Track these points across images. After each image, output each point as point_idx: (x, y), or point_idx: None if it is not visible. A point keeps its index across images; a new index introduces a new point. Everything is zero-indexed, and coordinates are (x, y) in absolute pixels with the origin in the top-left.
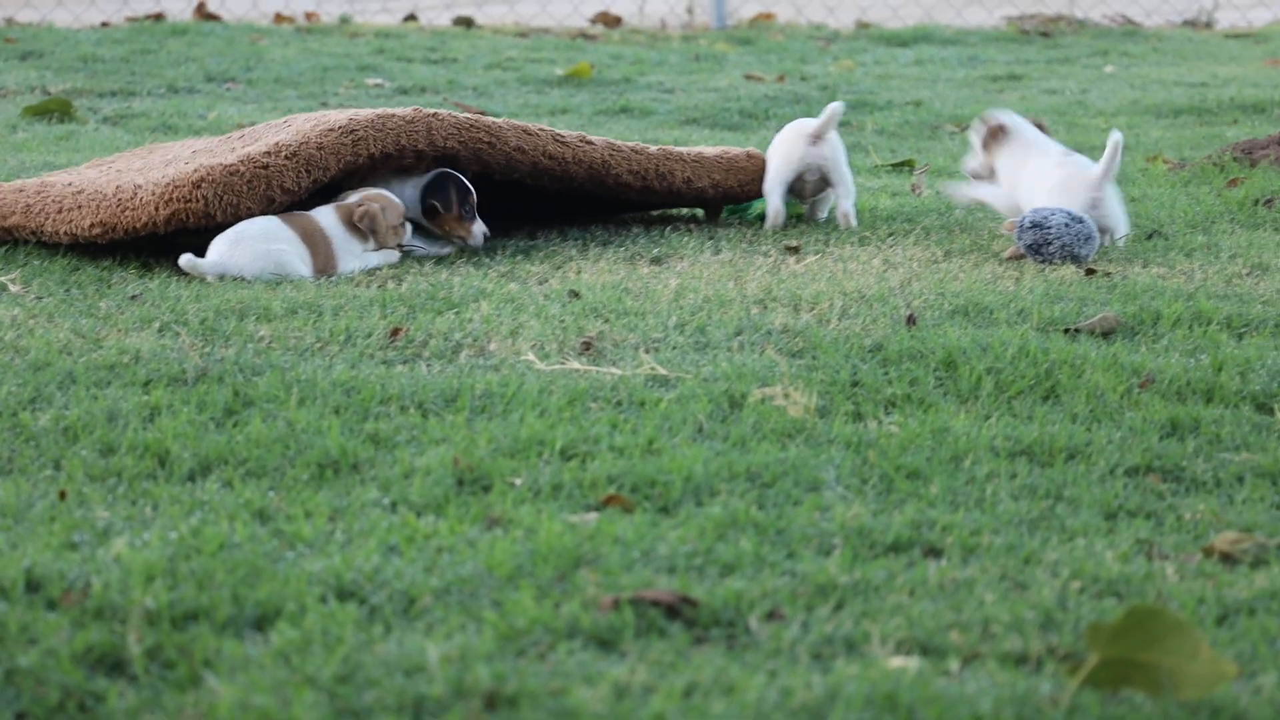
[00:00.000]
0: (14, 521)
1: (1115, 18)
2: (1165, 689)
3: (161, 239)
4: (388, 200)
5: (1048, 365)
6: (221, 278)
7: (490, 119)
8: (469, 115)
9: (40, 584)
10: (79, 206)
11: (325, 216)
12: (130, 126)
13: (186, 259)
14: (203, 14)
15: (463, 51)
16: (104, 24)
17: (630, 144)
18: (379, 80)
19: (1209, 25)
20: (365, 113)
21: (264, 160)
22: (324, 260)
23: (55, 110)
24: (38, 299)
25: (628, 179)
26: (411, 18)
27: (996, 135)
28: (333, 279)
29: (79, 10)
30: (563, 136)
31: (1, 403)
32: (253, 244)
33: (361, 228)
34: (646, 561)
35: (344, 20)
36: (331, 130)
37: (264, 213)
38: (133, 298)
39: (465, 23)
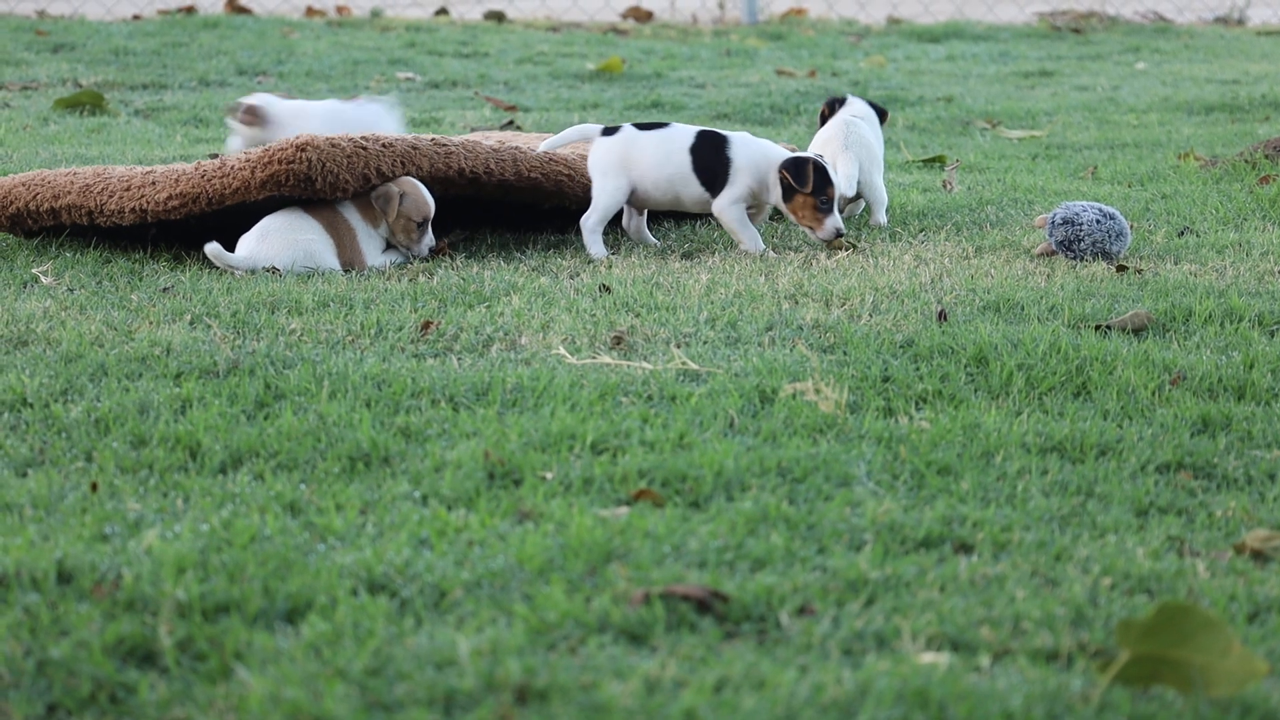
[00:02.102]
0: (46, 513)
1: (1147, 14)
2: (1196, 686)
3: (194, 232)
4: (415, 189)
5: (1079, 362)
6: (252, 272)
7: (565, 153)
8: (548, 150)
9: (72, 575)
10: (152, 183)
11: (348, 208)
12: (161, 119)
13: (213, 248)
14: (234, 7)
15: (494, 45)
16: (135, 16)
17: None
18: (410, 74)
19: (1241, 22)
20: (456, 137)
21: (363, 143)
22: (349, 252)
23: (87, 103)
24: (69, 291)
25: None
26: (443, 11)
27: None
28: (363, 273)
29: (110, 3)
30: None
31: (34, 394)
32: (280, 236)
33: (376, 206)
34: (677, 556)
35: (375, 14)
36: (423, 138)
37: (358, 192)
38: (164, 290)
39: (496, 17)
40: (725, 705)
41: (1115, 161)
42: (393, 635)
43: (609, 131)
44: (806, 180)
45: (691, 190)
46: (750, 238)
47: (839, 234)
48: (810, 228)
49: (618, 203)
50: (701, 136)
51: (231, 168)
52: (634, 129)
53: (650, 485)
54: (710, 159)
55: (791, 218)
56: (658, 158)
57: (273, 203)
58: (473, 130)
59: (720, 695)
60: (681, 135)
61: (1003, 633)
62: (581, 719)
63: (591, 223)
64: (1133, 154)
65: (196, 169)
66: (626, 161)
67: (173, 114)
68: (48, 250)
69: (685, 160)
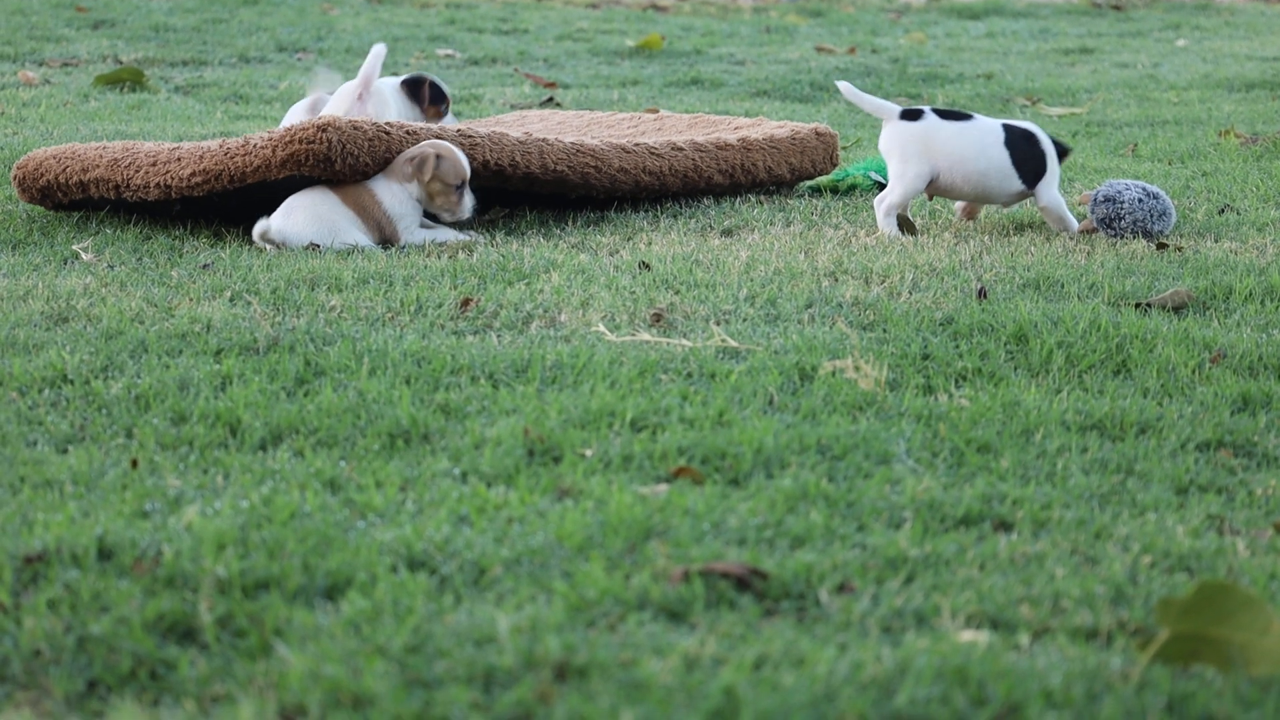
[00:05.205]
0: (86, 489)
1: None
2: (1236, 664)
3: (219, 209)
4: (451, 152)
5: (1119, 339)
6: (280, 248)
7: (593, 143)
8: (574, 141)
9: (112, 552)
10: (178, 159)
11: (376, 181)
12: (201, 96)
13: (262, 226)
14: None
15: (534, 22)
16: None
17: (711, 138)
18: (450, 51)
19: None
20: (482, 129)
21: (387, 128)
22: (375, 224)
23: (127, 79)
24: (110, 268)
25: (719, 179)
26: None
27: None
28: (403, 249)
29: None
30: (656, 149)
31: (74, 371)
32: (303, 212)
33: (409, 169)
34: (717, 533)
35: None
36: (449, 128)
37: (375, 174)
38: (204, 267)
39: None
40: (764, 683)
41: (1155, 139)
42: (432, 612)
43: (910, 115)
44: None
45: (1010, 185)
46: (1072, 220)
47: None
48: None
49: (919, 189)
50: (1010, 130)
51: (254, 146)
52: (937, 116)
53: (690, 463)
54: (1027, 151)
55: None
56: (969, 150)
57: (297, 184)
58: (512, 107)
59: (759, 673)
60: (992, 128)
61: (1042, 611)
62: (621, 696)
63: (888, 204)
64: (1173, 131)
65: (220, 146)
66: (930, 149)
67: (212, 90)
68: (88, 227)
69: (1003, 155)
